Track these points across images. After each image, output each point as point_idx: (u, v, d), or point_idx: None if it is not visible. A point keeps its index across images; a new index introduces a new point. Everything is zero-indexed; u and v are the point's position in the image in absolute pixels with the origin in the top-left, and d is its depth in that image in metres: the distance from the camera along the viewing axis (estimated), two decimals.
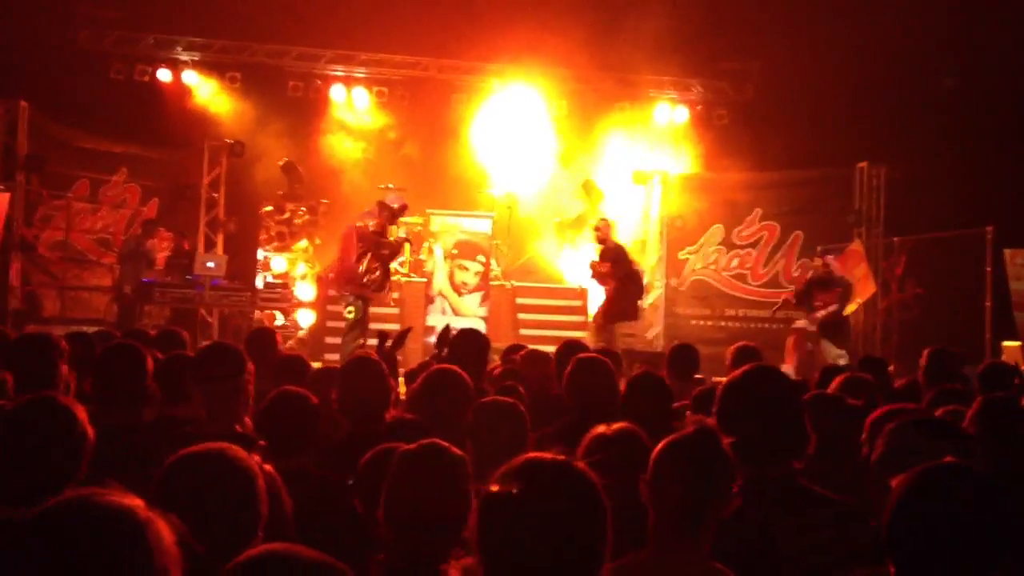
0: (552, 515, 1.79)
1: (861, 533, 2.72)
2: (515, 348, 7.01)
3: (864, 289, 13.77)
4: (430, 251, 15.08)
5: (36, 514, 1.52)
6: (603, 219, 12.12)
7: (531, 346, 6.91)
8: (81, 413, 2.87)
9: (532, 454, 1.89)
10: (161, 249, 15.14)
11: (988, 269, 13.38)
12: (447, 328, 7.87)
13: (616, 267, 11.66)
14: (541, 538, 1.77)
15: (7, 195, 13.70)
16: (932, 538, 1.91)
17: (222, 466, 2.30)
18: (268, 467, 2.78)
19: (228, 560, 1.87)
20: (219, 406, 3.82)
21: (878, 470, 2.80)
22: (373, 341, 7.36)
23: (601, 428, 3.13)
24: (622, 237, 16.94)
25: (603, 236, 12.18)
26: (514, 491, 1.82)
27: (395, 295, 14.32)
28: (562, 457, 1.87)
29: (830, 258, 13.55)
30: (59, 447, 2.78)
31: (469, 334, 6.03)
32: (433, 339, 7.79)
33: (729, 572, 2.46)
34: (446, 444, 2.67)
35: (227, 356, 4.03)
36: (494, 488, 1.85)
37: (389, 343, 6.30)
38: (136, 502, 1.56)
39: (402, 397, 5.27)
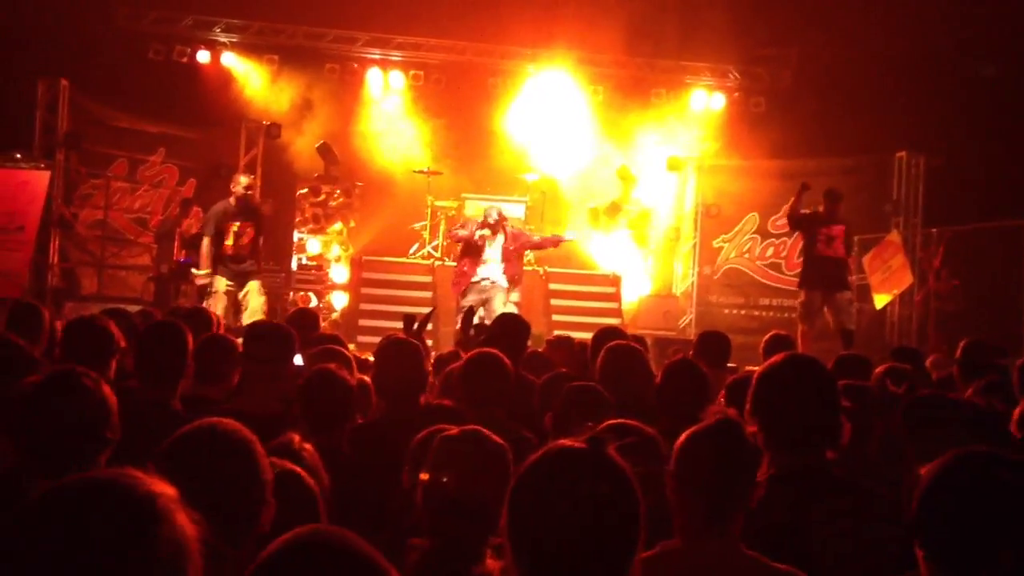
0: (583, 503, 1.73)
1: (893, 521, 2.72)
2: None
3: (900, 280, 13.63)
4: None
5: (51, 488, 1.42)
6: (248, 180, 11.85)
7: (559, 332, 6.91)
8: (104, 386, 2.86)
9: (562, 441, 1.83)
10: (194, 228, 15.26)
11: None
12: (470, 310, 7.91)
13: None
14: (573, 528, 1.72)
15: (47, 173, 13.85)
16: (959, 524, 1.89)
17: (217, 446, 2.23)
18: (308, 446, 2.80)
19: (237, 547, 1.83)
20: (261, 386, 3.85)
21: None
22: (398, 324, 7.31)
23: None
24: (658, 224, 16.99)
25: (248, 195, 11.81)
26: (543, 479, 1.77)
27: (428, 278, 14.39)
28: (592, 445, 1.80)
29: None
30: (83, 418, 2.79)
31: (510, 319, 6.09)
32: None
33: (764, 559, 2.46)
34: (486, 431, 2.69)
35: (280, 339, 4.08)
36: (522, 476, 1.80)
37: (415, 326, 6.25)
38: (164, 489, 1.44)
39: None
